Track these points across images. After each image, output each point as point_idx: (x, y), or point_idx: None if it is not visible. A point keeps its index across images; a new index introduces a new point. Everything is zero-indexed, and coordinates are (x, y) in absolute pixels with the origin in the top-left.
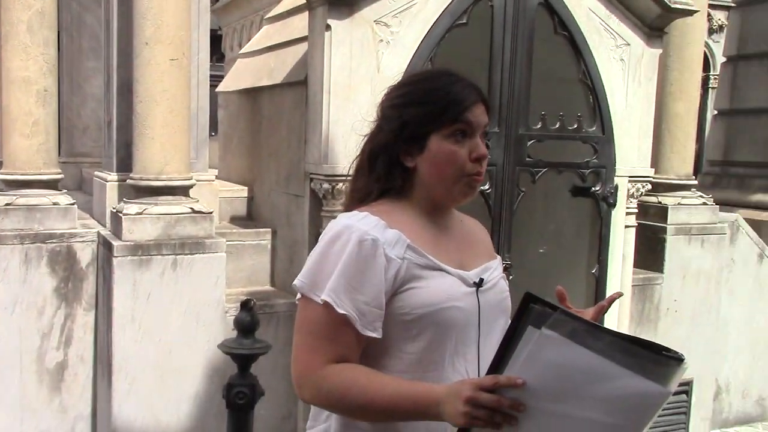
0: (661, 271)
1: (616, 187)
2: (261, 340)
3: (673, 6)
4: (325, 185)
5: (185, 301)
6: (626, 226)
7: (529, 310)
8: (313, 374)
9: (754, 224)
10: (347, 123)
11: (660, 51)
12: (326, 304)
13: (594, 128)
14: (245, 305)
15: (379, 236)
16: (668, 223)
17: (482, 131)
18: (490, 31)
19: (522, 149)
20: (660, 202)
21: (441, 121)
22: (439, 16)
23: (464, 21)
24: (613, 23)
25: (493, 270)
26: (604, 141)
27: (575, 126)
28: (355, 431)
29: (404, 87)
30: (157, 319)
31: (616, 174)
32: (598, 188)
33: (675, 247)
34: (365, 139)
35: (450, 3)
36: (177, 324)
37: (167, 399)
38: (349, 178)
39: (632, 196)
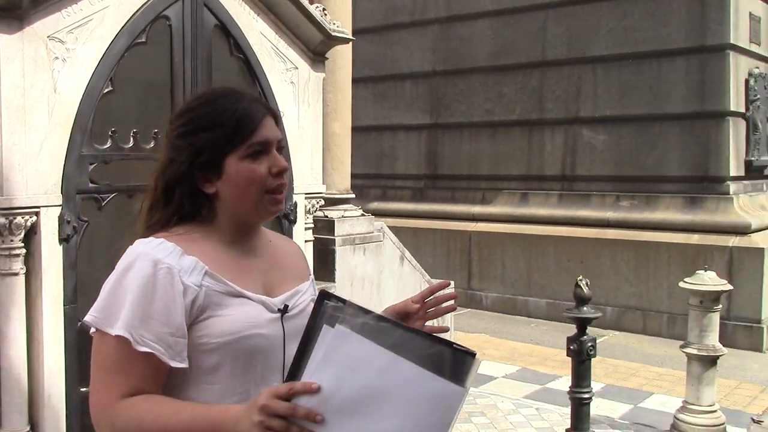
0: (333, 280)
1: (296, 205)
2: None
3: (333, 34)
4: (1, 219)
5: None
6: (306, 241)
7: (324, 308)
8: (108, 410)
9: None
10: (24, 149)
11: (323, 75)
12: (121, 339)
13: None
14: None
15: (174, 263)
16: (335, 235)
17: (277, 144)
18: (170, 50)
19: None
20: (327, 216)
21: (234, 142)
22: (117, 33)
23: (143, 40)
24: (282, 47)
25: (303, 293)
26: None
27: None
28: None
29: (188, 113)
30: None
31: (295, 192)
32: None
33: (343, 257)
34: (156, 168)
35: (128, 21)
36: None
37: None
38: (32, 209)
39: (308, 212)
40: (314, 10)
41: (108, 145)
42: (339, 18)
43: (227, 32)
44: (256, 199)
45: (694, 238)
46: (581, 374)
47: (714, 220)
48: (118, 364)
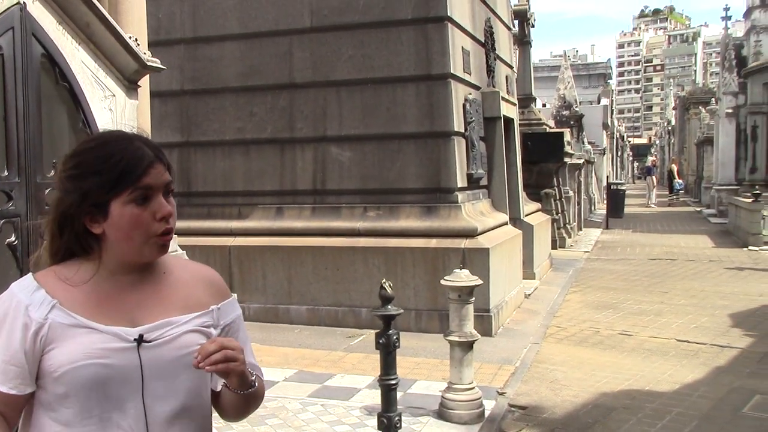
0: None
1: None
2: None
3: (148, 63)
4: None
5: None
6: None
7: None
8: None
9: None
10: None
11: (137, 102)
12: None
13: None
14: None
15: (25, 298)
16: None
17: (165, 189)
18: (2, 79)
19: (41, 198)
20: None
21: (118, 187)
22: None
23: None
24: (101, 76)
25: (177, 325)
26: None
27: None
28: None
29: (78, 156)
30: None
31: None
32: None
33: None
34: (52, 204)
35: None
36: None
37: None
38: None
39: None
40: (130, 40)
41: None
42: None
43: (53, 61)
44: (140, 242)
45: (433, 242)
46: (389, 364)
47: (448, 226)
48: None
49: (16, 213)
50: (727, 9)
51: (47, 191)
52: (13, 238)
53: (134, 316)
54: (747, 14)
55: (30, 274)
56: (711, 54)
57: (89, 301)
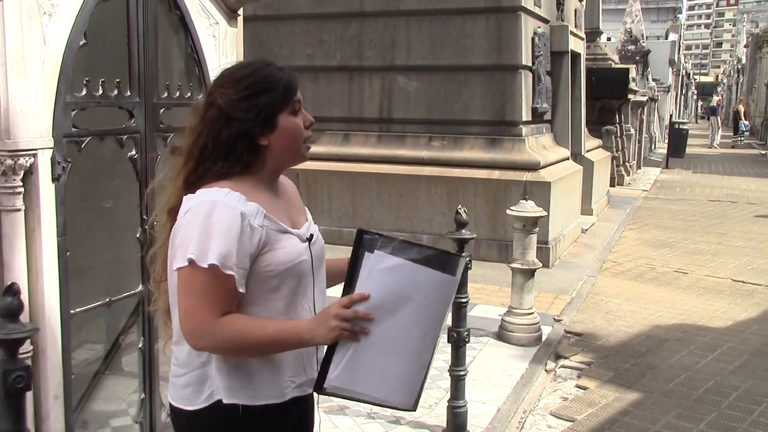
0: None
1: None
2: (25, 323)
3: None
4: (8, 161)
5: None
6: None
7: (363, 240)
8: (209, 326)
9: None
10: (23, 97)
11: (237, 29)
12: (213, 268)
13: (202, 96)
14: (10, 289)
15: (245, 209)
16: None
17: None
18: (126, 4)
19: (157, 117)
20: None
21: (285, 101)
22: None
23: None
24: (206, 4)
25: (312, 224)
26: None
27: (189, 95)
28: (235, 370)
29: (244, 80)
30: None
31: None
32: None
33: None
34: (205, 128)
35: None
36: None
37: None
38: (31, 151)
39: None
40: None
41: (84, 93)
42: None
43: None
44: (297, 147)
45: (495, 174)
46: (461, 283)
47: (511, 158)
48: (212, 289)
49: (136, 129)
50: None
51: (161, 111)
52: (133, 152)
53: (290, 218)
54: None
55: (219, 188)
56: None
57: (271, 208)
